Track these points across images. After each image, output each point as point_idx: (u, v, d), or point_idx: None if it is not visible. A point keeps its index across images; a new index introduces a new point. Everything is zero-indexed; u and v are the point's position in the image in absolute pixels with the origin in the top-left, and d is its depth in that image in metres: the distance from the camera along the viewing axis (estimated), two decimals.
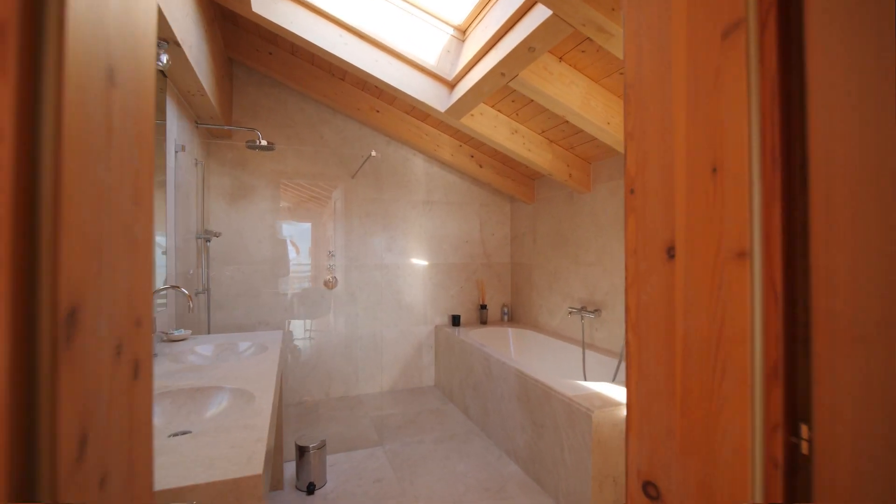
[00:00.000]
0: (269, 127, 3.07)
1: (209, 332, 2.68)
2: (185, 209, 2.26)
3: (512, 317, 3.78)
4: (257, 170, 3.04)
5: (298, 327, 3.19)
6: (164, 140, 1.93)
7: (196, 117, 2.49)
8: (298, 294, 3.18)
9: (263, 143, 2.59)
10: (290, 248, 3.15)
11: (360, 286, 3.33)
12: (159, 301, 1.79)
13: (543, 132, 2.67)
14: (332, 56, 2.25)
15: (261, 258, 3.05)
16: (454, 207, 3.62)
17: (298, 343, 3.18)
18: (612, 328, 2.63)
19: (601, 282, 2.71)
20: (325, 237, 3.26)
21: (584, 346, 2.73)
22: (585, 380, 2.63)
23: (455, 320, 3.52)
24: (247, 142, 2.59)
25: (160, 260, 1.84)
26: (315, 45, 2.19)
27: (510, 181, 3.42)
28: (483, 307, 3.61)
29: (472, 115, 2.51)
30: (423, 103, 2.41)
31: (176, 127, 2.07)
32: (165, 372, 1.33)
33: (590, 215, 2.82)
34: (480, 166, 3.33)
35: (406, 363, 3.47)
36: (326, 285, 3.23)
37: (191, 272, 2.31)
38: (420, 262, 3.51)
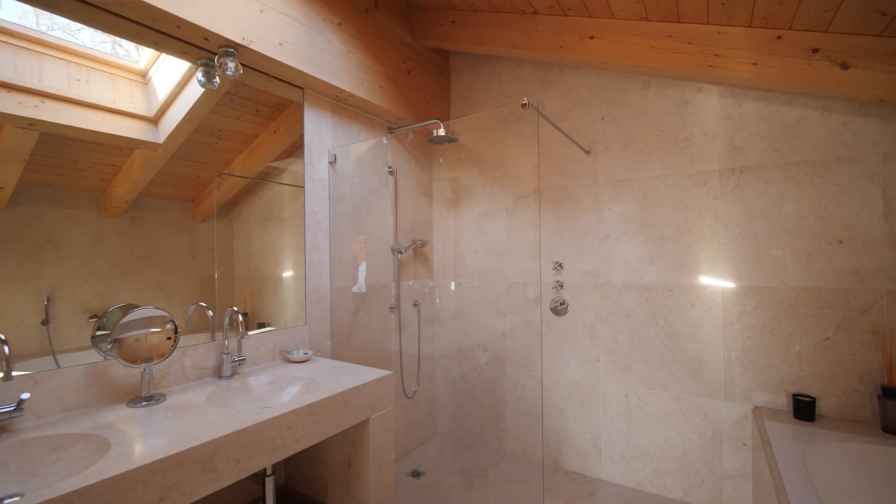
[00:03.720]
0: (483, 113, 2.56)
1: (403, 352, 2.49)
2: (361, 221, 2.16)
3: None
4: (475, 166, 2.59)
5: (516, 361, 2.46)
6: (303, 152, 1.87)
7: (388, 124, 2.36)
8: (516, 319, 2.46)
9: (441, 132, 2.14)
10: (511, 257, 2.49)
11: (603, 317, 2.18)
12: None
13: None
14: None
15: (477, 271, 2.58)
16: (802, 172, 1.75)
17: (519, 382, 2.45)
18: None
19: None
20: (551, 242, 2.36)
21: None
22: None
23: (801, 408, 1.68)
24: (427, 136, 2.22)
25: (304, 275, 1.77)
26: None
27: None
28: (892, 392, 1.53)
29: None
30: None
31: (329, 137, 1.99)
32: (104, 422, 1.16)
33: None
34: (845, 67, 1.41)
35: (686, 459, 1.98)
36: (554, 312, 2.33)
37: (363, 288, 2.18)
38: (717, 282, 1.92)
